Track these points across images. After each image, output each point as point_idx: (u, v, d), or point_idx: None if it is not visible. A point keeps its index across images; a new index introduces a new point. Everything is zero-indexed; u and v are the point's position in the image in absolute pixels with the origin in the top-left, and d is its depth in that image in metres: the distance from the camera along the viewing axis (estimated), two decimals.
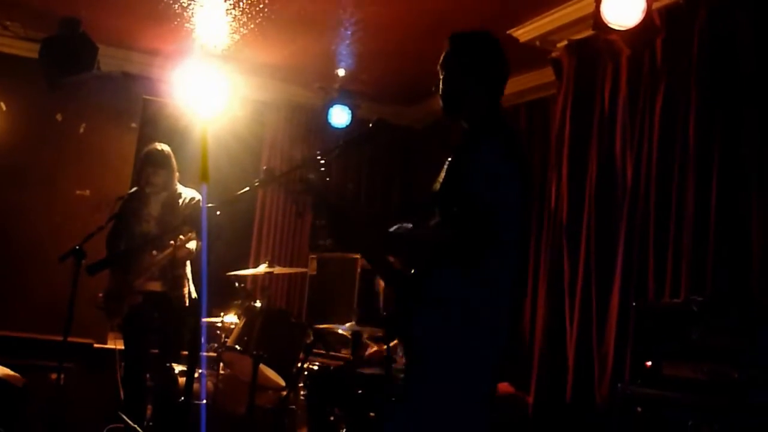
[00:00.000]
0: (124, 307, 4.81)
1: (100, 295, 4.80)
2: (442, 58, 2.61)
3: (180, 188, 5.09)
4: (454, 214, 2.36)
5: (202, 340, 5.18)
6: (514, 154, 2.43)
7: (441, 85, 2.60)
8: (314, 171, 2.63)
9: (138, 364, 4.88)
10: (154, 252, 4.83)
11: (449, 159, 2.51)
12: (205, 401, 4.93)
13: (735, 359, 3.05)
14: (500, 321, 2.42)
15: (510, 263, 2.45)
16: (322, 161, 2.65)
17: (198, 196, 5.04)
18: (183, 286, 4.96)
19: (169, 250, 4.73)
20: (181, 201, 5.01)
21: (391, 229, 2.55)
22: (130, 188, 5.35)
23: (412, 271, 2.48)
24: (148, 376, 4.93)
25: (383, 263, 2.54)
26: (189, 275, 5.02)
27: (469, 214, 2.29)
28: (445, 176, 2.49)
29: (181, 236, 4.71)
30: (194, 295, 4.99)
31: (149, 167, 4.98)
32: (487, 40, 2.59)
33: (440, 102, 2.61)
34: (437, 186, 2.52)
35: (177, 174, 5.11)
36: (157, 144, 5.10)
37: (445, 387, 2.35)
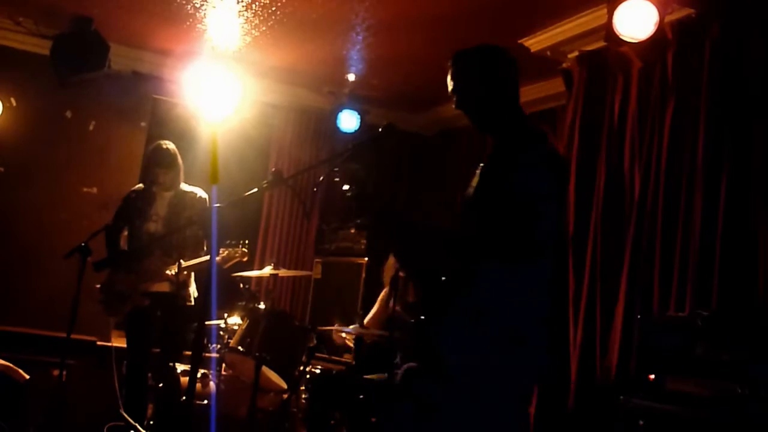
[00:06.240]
0: (127, 307, 4.81)
1: (98, 286, 4.81)
2: (449, 78, 2.62)
3: (185, 186, 5.08)
4: (497, 216, 2.32)
5: (211, 341, 5.19)
6: (553, 164, 2.44)
7: (459, 103, 2.63)
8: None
9: (140, 363, 4.88)
10: (167, 259, 4.83)
11: (482, 165, 2.55)
12: (206, 402, 4.93)
13: (739, 375, 3.03)
14: (539, 337, 2.34)
15: (546, 277, 2.40)
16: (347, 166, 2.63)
17: (204, 194, 5.05)
18: (188, 286, 4.96)
19: (187, 264, 4.75)
20: (188, 200, 5.02)
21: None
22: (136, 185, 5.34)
23: (443, 278, 2.40)
24: (149, 375, 4.94)
25: (418, 259, 2.50)
26: (192, 275, 5.02)
27: (514, 217, 2.28)
28: (479, 183, 2.51)
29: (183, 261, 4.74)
30: (196, 294, 5.00)
31: (158, 167, 4.97)
32: (485, 51, 2.64)
33: (470, 120, 2.65)
34: (471, 192, 2.52)
35: (182, 172, 5.11)
36: (162, 142, 5.07)
37: (476, 409, 2.28)
